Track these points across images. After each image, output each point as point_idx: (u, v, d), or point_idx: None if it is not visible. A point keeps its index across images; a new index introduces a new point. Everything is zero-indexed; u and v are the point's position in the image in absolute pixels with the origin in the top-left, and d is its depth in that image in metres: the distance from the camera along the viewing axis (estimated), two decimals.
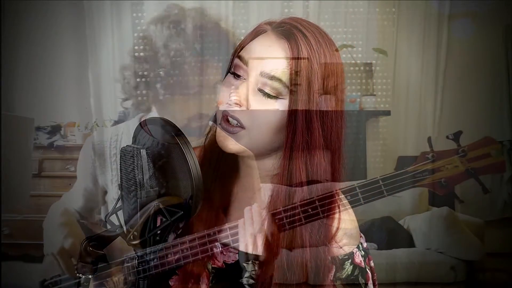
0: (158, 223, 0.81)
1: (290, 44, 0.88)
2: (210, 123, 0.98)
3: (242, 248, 0.89)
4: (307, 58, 0.88)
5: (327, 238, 0.90)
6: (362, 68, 2.85)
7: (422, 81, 2.79)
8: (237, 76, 0.91)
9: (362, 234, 0.98)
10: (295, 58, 0.88)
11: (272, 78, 0.87)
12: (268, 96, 0.88)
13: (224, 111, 0.90)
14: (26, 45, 2.30)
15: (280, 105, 0.88)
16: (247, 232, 0.89)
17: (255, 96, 0.88)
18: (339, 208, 0.89)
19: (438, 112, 2.78)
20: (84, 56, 2.35)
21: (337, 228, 0.90)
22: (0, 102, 2.03)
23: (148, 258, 0.85)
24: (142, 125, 0.85)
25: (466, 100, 2.73)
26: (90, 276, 0.87)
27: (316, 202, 0.87)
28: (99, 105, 2.35)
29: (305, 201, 0.87)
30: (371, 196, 0.87)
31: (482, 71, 2.71)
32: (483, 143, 0.86)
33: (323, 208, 0.87)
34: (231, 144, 0.90)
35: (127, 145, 0.82)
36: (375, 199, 0.87)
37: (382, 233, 2.52)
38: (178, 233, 0.92)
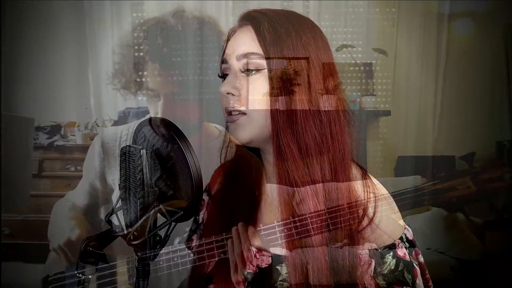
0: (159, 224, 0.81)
1: (252, 24, 0.93)
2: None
3: (231, 266, 0.91)
4: (269, 25, 0.91)
5: (356, 232, 0.87)
6: (362, 68, 2.85)
7: (422, 81, 2.78)
8: (225, 75, 0.97)
9: (407, 227, 0.93)
10: (258, 28, 0.92)
11: (246, 55, 0.92)
12: (249, 71, 0.92)
13: (225, 108, 0.95)
14: (26, 45, 2.30)
15: (263, 76, 0.92)
16: (235, 251, 0.89)
17: (241, 81, 0.93)
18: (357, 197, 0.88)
19: (438, 112, 2.78)
20: (84, 56, 2.35)
21: (370, 219, 0.87)
22: (0, 102, 2.03)
23: (150, 260, 0.84)
24: (142, 125, 0.85)
25: (466, 100, 2.72)
26: (90, 276, 0.87)
27: (334, 212, 0.86)
28: (99, 105, 2.35)
29: (319, 212, 0.87)
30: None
31: (482, 71, 2.70)
32: (495, 165, 0.85)
33: (335, 220, 0.86)
34: (241, 134, 0.93)
35: (127, 145, 0.82)
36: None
37: None
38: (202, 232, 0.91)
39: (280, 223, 0.88)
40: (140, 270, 0.85)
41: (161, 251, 0.83)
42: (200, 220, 1.08)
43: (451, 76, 2.76)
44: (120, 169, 0.83)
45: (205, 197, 1.07)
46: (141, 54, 1.85)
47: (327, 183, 0.88)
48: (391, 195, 0.86)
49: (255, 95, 0.91)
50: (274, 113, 0.90)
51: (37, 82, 2.36)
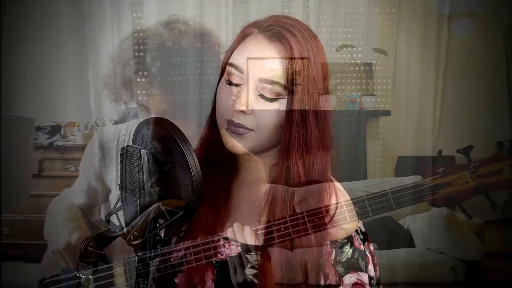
0: (158, 224, 0.81)
1: (283, 46, 0.90)
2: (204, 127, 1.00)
3: (230, 267, 0.92)
4: (302, 57, 0.90)
5: (323, 236, 0.92)
6: (362, 68, 2.84)
7: (422, 81, 2.78)
8: (234, 84, 0.92)
9: (360, 221, 1.00)
10: (291, 58, 0.90)
11: (272, 82, 0.90)
12: (269, 100, 0.90)
13: (231, 119, 0.92)
14: (26, 45, 2.30)
15: (281, 105, 0.90)
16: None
17: (257, 101, 0.91)
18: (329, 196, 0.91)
19: (438, 112, 2.78)
20: (84, 56, 2.35)
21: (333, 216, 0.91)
22: (0, 102, 2.03)
23: (149, 261, 0.85)
24: (142, 125, 0.85)
25: (466, 100, 2.73)
26: (90, 276, 0.87)
27: (305, 217, 0.89)
28: (99, 105, 2.35)
29: (295, 217, 0.90)
30: (380, 209, 0.87)
31: (482, 71, 2.70)
32: (494, 159, 0.86)
33: (313, 223, 0.89)
34: (239, 146, 0.93)
35: (127, 145, 0.82)
36: (384, 212, 0.87)
37: (382, 233, 2.52)
38: (181, 235, 0.92)
39: (276, 222, 0.90)
40: (140, 270, 0.85)
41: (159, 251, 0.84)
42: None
43: (451, 76, 2.76)
44: (120, 169, 0.83)
45: None
46: (142, 79, 1.84)
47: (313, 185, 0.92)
48: (391, 192, 0.88)
49: (268, 119, 0.91)
50: (286, 133, 0.90)
51: (37, 82, 2.36)
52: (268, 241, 0.89)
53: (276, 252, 0.91)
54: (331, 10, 2.79)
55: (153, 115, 1.68)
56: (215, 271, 0.96)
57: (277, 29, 0.91)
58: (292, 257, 0.91)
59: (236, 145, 0.92)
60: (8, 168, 1.91)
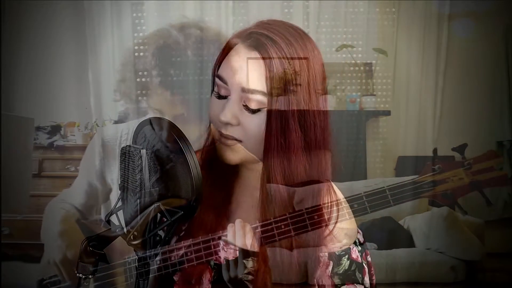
0: (158, 223, 0.81)
1: (261, 54, 0.90)
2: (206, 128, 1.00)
3: (215, 259, 0.93)
4: (279, 60, 0.89)
5: (321, 239, 0.92)
6: (362, 68, 2.85)
7: (422, 81, 2.78)
8: (221, 97, 0.93)
9: (359, 230, 1.00)
10: (269, 66, 0.89)
11: (253, 91, 0.90)
12: (252, 111, 0.90)
13: (219, 131, 0.93)
14: (26, 45, 2.30)
15: (263, 114, 0.91)
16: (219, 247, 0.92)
17: (242, 112, 0.91)
18: (331, 208, 0.90)
19: (438, 112, 2.78)
20: (84, 56, 2.35)
21: (332, 229, 0.91)
22: (0, 102, 2.03)
23: (149, 260, 0.85)
24: (142, 125, 0.85)
25: (466, 100, 2.73)
26: (90, 276, 0.87)
27: (305, 214, 0.88)
28: (99, 105, 2.35)
29: (295, 213, 0.89)
30: (378, 205, 0.88)
31: (482, 71, 2.70)
32: (488, 156, 0.87)
33: (312, 220, 0.89)
34: (231, 157, 0.93)
35: (127, 145, 0.82)
36: (382, 208, 0.88)
37: (382, 233, 2.52)
38: (181, 235, 0.92)
39: (276, 219, 0.90)
40: (140, 270, 0.85)
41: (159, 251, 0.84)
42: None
43: (451, 76, 2.76)
44: (120, 169, 0.83)
45: None
46: (143, 79, 1.84)
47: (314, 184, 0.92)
48: (388, 188, 0.88)
49: (255, 129, 0.91)
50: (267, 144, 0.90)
51: (37, 82, 2.36)
52: (268, 239, 0.89)
53: (273, 254, 0.91)
54: (331, 10, 2.80)
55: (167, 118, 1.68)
56: (213, 273, 0.96)
57: (255, 37, 0.92)
58: (290, 257, 0.92)
59: (229, 157, 0.93)
60: (8, 168, 1.91)
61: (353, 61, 2.81)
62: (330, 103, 0.98)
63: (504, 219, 2.67)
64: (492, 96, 2.75)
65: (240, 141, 0.92)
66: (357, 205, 0.89)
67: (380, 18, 2.83)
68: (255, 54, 0.91)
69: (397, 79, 2.83)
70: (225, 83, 0.92)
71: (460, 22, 2.71)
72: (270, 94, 0.90)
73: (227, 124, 0.92)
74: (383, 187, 0.88)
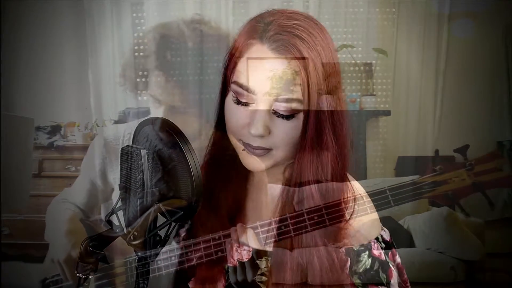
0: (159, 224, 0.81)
1: (296, 58, 0.82)
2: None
3: (229, 262, 0.90)
4: (312, 62, 0.82)
5: (336, 234, 0.87)
6: (362, 68, 2.85)
7: (422, 81, 2.78)
8: (242, 103, 0.86)
9: (385, 228, 0.94)
10: (306, 70, 0.82)
11: (288, 100, 0.83)
12: (286, 117, 0.84)
13: (247, 143, 0.87)
14: (26, 45, 2.30)
15: (299, 120, 0.85)
16: (233, 249, 0.89)
17: (273, 120, 0.85)
18: (346, 204, 0.87)
19: (438, 112, 2.78)
20: (84, 56, 2.35)
21: (347, 222, 0.87)
22: (0, 102, 2.03)
23: (149, 260, 0.85)
24: (142, 125, 0.85)
25: (466, 100, 2.73)
26: (90, 276, 0.87)
27: (323, 209, 0.86)
28: (99, 105, 2.35)
29: (312, 208, 0.86)
30: (379, 206, 0.86)
31: (482, 71, 2.70)
32: (490, 157, 0.86)
33: (330, 215, 0.86)
34: (258, 165, 0.88)
35: (127, 145, 0.82)
36: (382, 209, 0.86)
37: None
38: (183, 237, 0.92)
39: (275, 219, 0.88)
40: (140, 270, 0.85)
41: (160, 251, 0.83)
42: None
43: (451, 76, 2.76)
44: (121, 169, 0.83)
45: None
46: (143, 79, 1.84)
47: (327, 183, 0.89)
48: (389, 189, 0.86)
49: (288, 135, 0.86)
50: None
51: (37, 82, 2.36)
52: (282, 235, 0.87)
53: (287, 254, 0.88)
54: (331, 10, 2.80)
55: (163, 108, 1.67)
56: (227, 277, 0.94)
57: (284, 39, 0.82)
58: (304, 256, 0.87)
59: (258, 165, 0.88)
60: (8, 168, 1.91)
61: (353, 61, 2.81)
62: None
63: (504, 219, 2.66)
64: (492, 96, 2.75)
65: (270, 149, 0.87)
66: (357, 205, 0.88)
67: (380, 18, 2.83)
68: (287, 59, 0.82)
69: (397, 79, 2.83)
70: (251, 92, 0.84)
71: (460, 22, 2.71)
72: (306, 99, 0.83)
73: (258, 136, 0.85)
74: (384, 187, 0.86)
